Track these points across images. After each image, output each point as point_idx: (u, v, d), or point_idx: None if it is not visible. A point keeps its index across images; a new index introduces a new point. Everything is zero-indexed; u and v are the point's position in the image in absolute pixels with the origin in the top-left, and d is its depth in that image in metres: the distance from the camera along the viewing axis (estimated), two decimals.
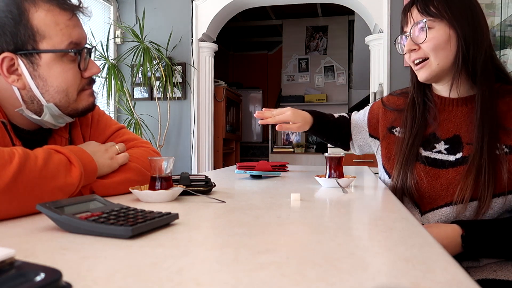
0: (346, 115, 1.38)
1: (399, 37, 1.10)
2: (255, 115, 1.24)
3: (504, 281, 0.94)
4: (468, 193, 0.96)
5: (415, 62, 1.05)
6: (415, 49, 1.03)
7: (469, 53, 0.99)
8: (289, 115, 1.22)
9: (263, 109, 1.25)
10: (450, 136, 1.05)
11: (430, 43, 1.00)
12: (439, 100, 1.09)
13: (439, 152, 1.05)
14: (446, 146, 1.05)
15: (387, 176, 1.16)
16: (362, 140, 1.32)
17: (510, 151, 0.96)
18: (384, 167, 1.19)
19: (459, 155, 1.02)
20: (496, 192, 0.95)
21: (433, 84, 1.11)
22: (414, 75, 1.10)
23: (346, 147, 1.38)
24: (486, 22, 1.03)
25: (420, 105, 1.11)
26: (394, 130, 1.19)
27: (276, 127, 1.23)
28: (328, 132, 1.33)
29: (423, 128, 1.10)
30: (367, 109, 1.33)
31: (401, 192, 1.07)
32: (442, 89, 1.09)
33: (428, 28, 1.00)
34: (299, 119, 1.23)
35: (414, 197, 1.05)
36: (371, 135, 1.28)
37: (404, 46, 1.06)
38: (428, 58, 1.02)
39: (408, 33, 1.04)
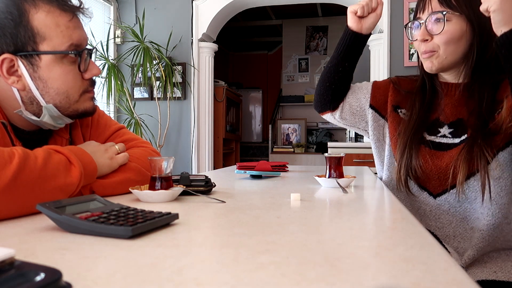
0: None
1: (410, 22, 1.07)
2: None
3: (504, 282, 0.94)
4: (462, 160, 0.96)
5: (425, 51, 1.03)
6: (427, 40, 1.01)
7: (481, 48, 0.98)
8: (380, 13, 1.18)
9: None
10: (454, 120, 1.05)
11: (444, 36, 0.98)
12: (445, 87, 1.09)
13: (444, 136, 1.05)
14: (450, 130, 1.04)
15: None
16: (356, 102, 1.21)
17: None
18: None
19: (464, 137, 1.01)
20: (500, 145, 0.94)
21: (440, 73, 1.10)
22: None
23: (335, 103, 1.22)
24: None
25: (430, 90, 1.11)
26: (399, 111, 1.15)
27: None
28: (349, 65, 1.20)
29: (429, 113, 1.09)
30: (370, 82, 1.26)
31: (405, 174, 1.05)
32: (447, 77, 1.09)
33: (446, 20, 0.97)
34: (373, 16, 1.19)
35: (420, 179, 1.04)
36: (372, 107, 1.20)
37: (415, 33, 1.04)
38: (436, 51, 1.01)
39: (423, 21, 1.01)
